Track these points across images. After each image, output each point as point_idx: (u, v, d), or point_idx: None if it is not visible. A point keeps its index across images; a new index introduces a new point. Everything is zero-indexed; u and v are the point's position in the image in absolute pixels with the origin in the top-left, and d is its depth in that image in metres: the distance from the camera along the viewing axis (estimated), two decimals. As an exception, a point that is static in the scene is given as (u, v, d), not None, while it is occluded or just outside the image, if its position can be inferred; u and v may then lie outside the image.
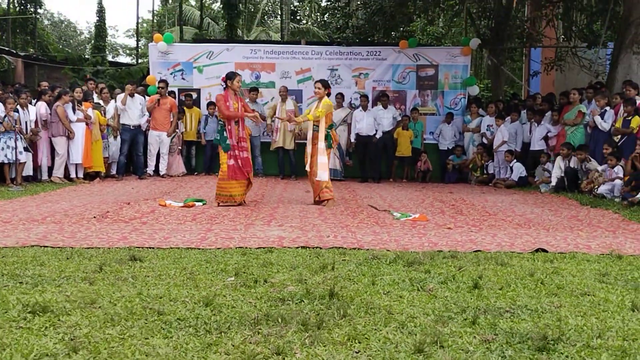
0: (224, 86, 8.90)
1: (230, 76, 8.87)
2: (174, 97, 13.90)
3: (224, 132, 8.65)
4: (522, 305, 3.88)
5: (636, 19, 11.98)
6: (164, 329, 3.30)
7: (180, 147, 13.63)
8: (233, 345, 3.07)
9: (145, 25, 41.16)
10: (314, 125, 9.00)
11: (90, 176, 12.07)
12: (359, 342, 3.16)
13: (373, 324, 3.45)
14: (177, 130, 13.40)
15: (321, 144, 8.88)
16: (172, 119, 13.11)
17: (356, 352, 3.02)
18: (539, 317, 3.63)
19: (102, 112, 12.50)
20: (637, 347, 3.11)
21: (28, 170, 11.04)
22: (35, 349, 2.94)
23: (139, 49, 30.12)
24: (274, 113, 13.29)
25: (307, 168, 9.10)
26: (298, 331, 3.29)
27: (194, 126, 13.84)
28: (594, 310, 3.80)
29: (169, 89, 13.80)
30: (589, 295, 4.19)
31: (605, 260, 5.43)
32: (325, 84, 9.10)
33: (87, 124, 11.76)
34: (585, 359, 2.96)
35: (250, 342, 3.12)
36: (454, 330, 3.36)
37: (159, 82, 13.26)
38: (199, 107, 14.01)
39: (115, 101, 12.83)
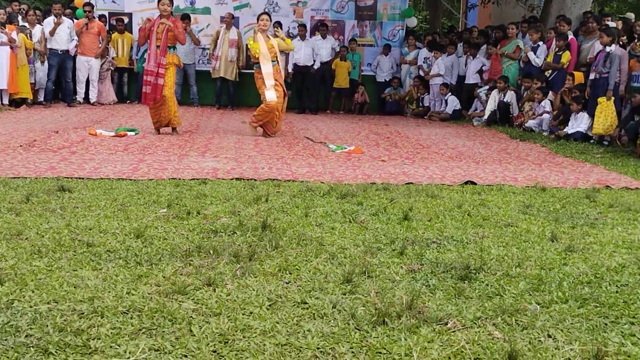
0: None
1: None
2: (104, 22, 13.35)
3: (144, 55, 8.53)
4: (449, 236, 4.01)
5: (571, -46, 12.07)
6: (93, 261, 3.28)
7: (111, 72, 13.18)
8: (164, 277, 3.08)
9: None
10: (272, 60, 8.80)
11: (16, 103, 11.58)
12: (290, 273, 3.22)
13: (304, 255, 3.51)
14: (107, 56, 12.94)
15: (281, 79, 9.02)
16: (100, 44, 12.62)
17: (286, 283, 3.07)
18: (464, 248, 3.76)
19: (28, 35, 11.91)
20: (553, 276, 3.28)
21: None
22: (-42, 282, 2.88)
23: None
24: (217, 38, 12.97)
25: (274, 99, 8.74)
26: (229, 263, 3.32)
27: (126, 52, 13.39)
28: (515, 241, 3.97)
29: (99, 12, 13.26)
30: (512, 226, 4.35)
31: (530, 192, 5.63)
32: (271, 17, 9.07)
33: (11, 48, 11.20)
34: (504, 287, 3.10)
35: (181, 274, 3.13)
36: (382, 261, 3.45)
37: (84, 5, 12.65)
38: (131, 32, 13.51)
39: (43, 25, 12.23)
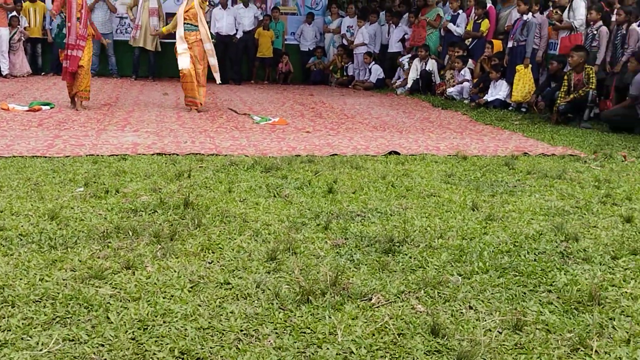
0: None
1: None
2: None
3: (64, 29, 8.07)
4: (373, 208, 4.03)
5: None
6: (3, 246, 3.12)
7: (24, 42, 12.55)
8: (80, 261, 2.96)
9: None
10: (190, 25, 8.38)
11: None
12: (213, 252, 3.16)
13: (228, 233, 3.45)
14: (17, 26, 12.30)
15: (207, 45, 8.51)
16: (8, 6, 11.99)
17: (209, 263, 3.01)
18: (388, 220, 3.78)
19: None
20: (474, 246, 3.34)
21: None
22: None
23: None
24: (134, 6, 12.53)
25: (186, 66, 8.36)
26: (150, 243, 3.23)
27: (39, 22, 12.74)
28: (438, 211, 4.02)
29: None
30: (434, 196, 4.41)
31: (452, 161, 5.73)
32: None
33: None
34: (427, 259, 3.13)
35: (99, 257, 3.02)
36: (307, 237, 3.43)
37: None
38: (44, 1, 12.88)
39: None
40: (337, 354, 2.20)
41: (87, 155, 5.41)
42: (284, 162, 5.28)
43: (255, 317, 2.45)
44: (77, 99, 8.29)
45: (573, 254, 3.27)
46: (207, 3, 8.71)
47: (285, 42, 13.89)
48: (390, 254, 3.18)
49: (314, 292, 2.64)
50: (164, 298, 2.60)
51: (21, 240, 3.23)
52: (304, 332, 2.35)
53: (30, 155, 5.33)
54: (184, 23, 8.37)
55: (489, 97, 9.63)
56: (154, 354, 2.17)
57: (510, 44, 9.72)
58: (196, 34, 8.42)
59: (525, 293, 2.76)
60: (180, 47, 8.34)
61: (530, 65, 9.25)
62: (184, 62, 8.29)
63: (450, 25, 11.20)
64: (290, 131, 7.14)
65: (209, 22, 12.72)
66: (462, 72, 10.51)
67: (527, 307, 2.61)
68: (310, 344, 2.27)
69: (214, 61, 8.64)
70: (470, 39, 10.96)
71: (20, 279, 2.73)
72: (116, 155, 5.45)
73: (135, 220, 3.61)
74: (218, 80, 8.75)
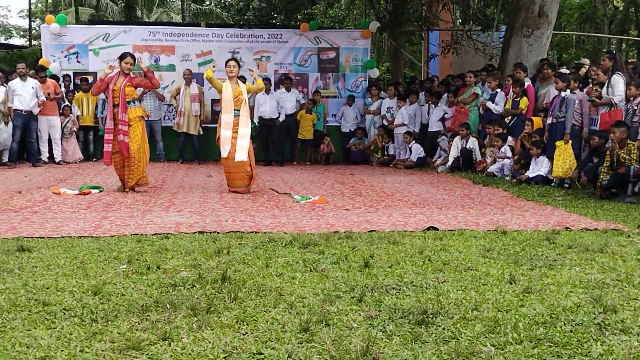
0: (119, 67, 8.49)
1: (121, 56, 8.51)
2: (69, 81, 13.47)
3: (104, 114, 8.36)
4: (408, 281, 4.04)
5: (525, 3, 12.50)
6: (47, 320, 3.24)
7: (76, 131, 13.16)
8: (119, 333, 3.04)
9: (39, 5, 39.31)
10: (234, 110, 8.46)
11: (-20, 164, 11.49)
12: (247, 324, 3.21)
13: (263, 306, 3.50)
14: (70, 115, 12.93)
15: (242, 130, 8.41)
16: (60, 99, 12.71)
17: (243, 334, 3.06)
18: (423, 293, 3.79)
19: (-10, 97, 11.88)
20: (509, 318, 3.31)
21: None
22: None
23: (33, 31, 28.78)
24: (177, 95, 13.13)
25: (225, 155, 8.45)
26: (187, 316, 3.30)
27: (91, 110, 13.41)
28: (474, 284, 4.01)
29: (64, 72, 13.42)
30: (471, 270, 4.40)
31: (491, 236, 5.70)
32: (239, 63, 8.85)
33: (-27, 110, 11.16)
34: (460, 330, 3.12)
35: (137, 329, 3.10)
36: (341, 309, 3.46)
37: (37, 69, 12.69)
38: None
39: (6, 87, 12.21)
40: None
41: (131, 235, 5.59)
42: (321, 239, 5.35)
43: (286, 386, 2.48)
44: (137, 187, 8.54)
45: (610, 325, 3.22)
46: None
47: (327, 124, 14.23)
48: (423, 325, 3.18)
49: (344, 362, 2.66)
50: (197, 368, 2.65)
51: (64, 314, 3.35)
52: (333, 401, 2.36)
53: (78, 236, 5.53)
54: (234, 109, 8.44)
55: (530, 173, 9.62)
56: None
57: (549, 121, 9.77)
58: (237, 120, 8.47)
59: (559, 363, 2.73)
60: (225, 133, 8.39)
61: (570, 141, 9.25)
62: (223, 151, 8.40)
63: (489, 104, 11.35)
64: (330, 209, 7.24)
65: (252, 107, 13.21)
66: (503, 149, 10.55)
67: (560, 377, 2.57)
68: (339, 411, 2.28)
69: (244, 143, 8.42)
70: (509, 117, 11.06)
71: (62, 350, 2.82)
72: (159, 234, 5.61)
73: (173, 294, 3.70)
74: (238, 158, 8.34)
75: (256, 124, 8.87)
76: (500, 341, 2.97)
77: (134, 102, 8.48)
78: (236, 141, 8.37)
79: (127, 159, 8.31)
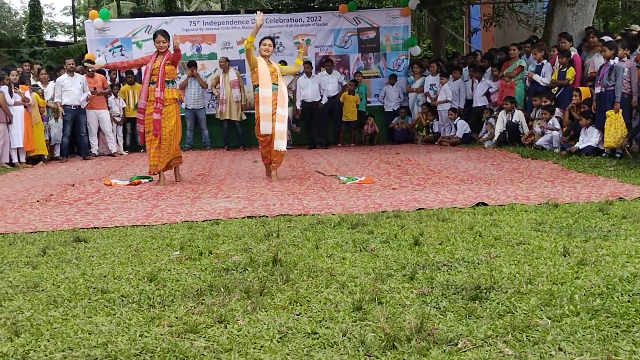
0: None
1: (153, 36, 8.43)
2: (115, 74, 13.71)
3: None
4: (460, 258, 4.01)
5: (568, -28, 12.18)
6: (107, 307, 3.32)
7: (124, 123, 13.41)
8: (176, 317, 3.11)
9: (82, 1, 40.01)
10: (272, 84, 8.05)
11: (33, 160, 11.80)
12: (300, 305, 3.24)
13: (315, 287, 3.53)
14: (108, 109, 13.18)
15: (281, 110, 8.04)
16: (107, 92, 12.93)
17: (297, 315, 3.09)
18: (475, 268, 3.76)
19: (41, 94, 12.18)
20: (565, 290, 3.26)
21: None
22: (-25, 336, 2.93)
23: (77, 27, 29.29)
24: (217, 83, 13.25)
25: (266, 132, 8.07)
26: (241, 299, 3.35)
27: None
28: (527, 258, 3.96)
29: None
30: (524, 244, 4.34)
31: (542, 209, 5.62)
32: (274, 42, 8.57)
33: (25, 107, 11.46)
34: (515, 304, 3.09)
35: (193, 313, 3.16)
36: (393, 287, 3.46)
37: (83, 62, 12.93)
38: (141, 83, 13.73)
39: (55, 82, 12.50)
40: (422, 396, 2.21)
41: (182, 222, 5.69)
42: (370, 219, 5.35)
43: (342, 364, 2.50)
44: (173, 166, 8.47)
45: (671, 294, 3.14)
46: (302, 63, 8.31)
47: (370, 104, 14.17)
48: (477, 301, 3.16)
49: (399, 339, 2.66)
50: (254, 348, 2.69)
51: (122, 300, 3.43)
52: (390, 377, 2.38)
53: (131, 225, 5.65)
54: (272, 83, 8.06)
55: (580, 144, 9.42)
56: (245, 399, 2.25)
57: (597, 90, 9.53)
58: (275, 93, 8.09)
59: (617, 334, 2.67)
60: (263, 108, 8.03)
61: (620, 110, 9.01)
62: (265, 126, 8.03)
63: (536, 76, 11.12)
64: (377, 189, 7.23)
65: (294, 90, 13.24)
66: (551, 121, 10.35)
67: (619, 347, 2.52)
68: (396, 387, 2.29)
69: (282, 127, 8.11)
70: (556, 88, 10.82)
71: (122, 335, 2.89)
72: (209, 220, 5.69)
73: (227, 278, 3.75)
74: (278, 147, 8.08)
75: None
76: (557, 314, 2.93)
77: (173, 84, 8.31)
78: (275, 123, 8.03)
79: (158, 139, 8.14)
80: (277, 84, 8.10)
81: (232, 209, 6.25)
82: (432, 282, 3.52)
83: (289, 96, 13.17)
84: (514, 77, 11.76)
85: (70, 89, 12.23)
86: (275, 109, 8.04)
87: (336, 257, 4.19)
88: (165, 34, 8.35)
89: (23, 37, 23.35)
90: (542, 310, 3.01)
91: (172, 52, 8.10)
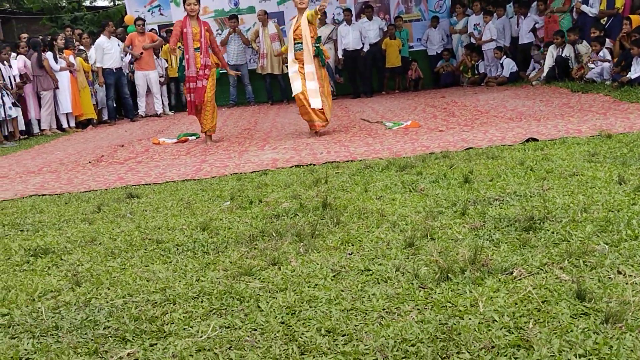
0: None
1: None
2: (156, 34, 13.74)
3: (183, 62, 7.90)
4: (511, 192, 3.95)
5: None
6: (162, 256, 3.39)
7: (168, 82, 13.50)
8: (230, 262, 3.16)
9: (119, -35, 40.05)
10: (300, 44, 7.71)
11: (82, 124, 12.04)
12: (352, 245, 3.25)
13: (365, 227, 3.53)
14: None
15: (308, 67, 7.67)
16: (156, 53, 12.96)
17: (349, 254, 3.10)
18: (527, 201, 3.70)
19: (85, 58, 12.33)
20: (622, 216, 3.19)
21: (20, 125, 11.02)
22: (40, 287, 3.03)
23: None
24: (256, 37, 13.17)
25: (298, 90, 7.72)
26: (293, 242, 3.38)
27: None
28: (581, 189, 3.87)
29: (149, 26, 13.65)
30: (577, 175, 4.24)
31: (595, 141, 5.47)
32: None
33: (71, 72, 11.64)
34: (570, 232, 3.04)
35: (247, 257, 3.20)
36: (444, 223, 3.43)
37: (135, 20, 12.96)
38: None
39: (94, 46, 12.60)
40: (479, 323, 2.20)
41: (231, 174, 5.74)
42: (418, 160, 5.30)
43: (397, 297, 2.50)
44: (207, 135, 8.20)
45: None
46: (319, 16, 7.75)
47: (412, 49, 13.91)
48: (531, 231, 3.11)
49: (453, 271, 2.65)
50: (308, 287, 2.72)
51: (177, 249, 3.50)
52: (445, 307, 2.37)
53: (181, 180, 5.73)
54: (294, 43, 7.76)
55: (632, 74, 9.07)
56: (302, 333, 2.28)
57: (650, 16, 9.15)
58: (301, 54, 7.75)
59: (678, 255, 2.61)
60: (291, 69, 7.86)
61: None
62: (296, 86, 7.73)
63: (584, 7, 10.72)
64: (423, 132, 7.14)
65: (335, 40, 13.08)
66: (601, 52, 9.99)
67: (681, 268, 2.47)
68: (452, 315, 2.28)
69: (312, 85, 7.69)
70: (605, 18, 10.42)
71: (179, 281, 2.96)
72: (258, 172, 5.72)
73: (278, 224, 3.79)
74: (314, 105, 7.67)
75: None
76: (614, 239, 2.87)
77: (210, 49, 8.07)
78: (306, 81, 7.72)
79: (201, 104, 7.93)
80: (301, 42, 7.72)
81: (280, 159, 6.27)
82: (484, 216, 3.48)
83: (331, 45, 13.10)
84: (563, 12, 11.31)
85: (110, 51, 12.30)
86: (303, 67, 7.74)
87: (386, 198, 4.17)
88: None
89: (63, 4, 23.54)
90: (598, 236, 2.95)
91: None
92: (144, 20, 13.07)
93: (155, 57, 13.13)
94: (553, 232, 3.06)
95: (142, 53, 12.40)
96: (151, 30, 13.60)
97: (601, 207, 3.40)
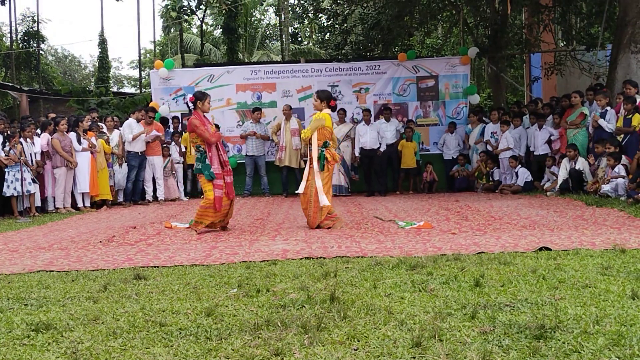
0: (192, 108, 8.14)
1: (200, 97, 8.13)
2: (178, 122, 14.09)
3: (206, 160, 7.87)
4: (523, 299, 3.89)
5: (632, 19, 12.03)
6: (164, 339, 3.34)
7: (174, 172, 13.66)
8: (233, 350, 3.09)
9: (148, 55, 41.60)
10: (309, 144, 8.20)
11: (97, 204, 12.15)
12: (358, 340, 3.18)
13: (372, 324, 3.47)
14: (169, 156, 13.48)
15: (315, 165, 8.00)
16: (163, 141, 13.25)
17: (355, 350, 3.03)
18: (538, 309, 3.63)
19: (106, 140, 12.61)
20: (634, 331, 3.11)
21: (36, 202, 11.15)
22: (37, 362, 2.98)
23: (143, 79, 30.41)
24: (278, 131, 13.46)
25: (300, 191, 8.17)
26: (298, 334, 3.32)
27: (195, 149, 13.94)
28: (593, 301, 3.80)
29: (172, 114, 14.08)
30: (589, 287, 4.18)
31: (609, 254, 5.42)
32: (321, 95, 8.15)
33: (92, 153, 11.87)
34: (581, 344, 2.96)
35: (250, 346, 3.14)
36: (453, 325, 3.37)
37: (146, 110, 13.33)
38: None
39: (121, 130, 12.92)
40: None
41: (240, 262, 5.71)
42: (429, 261, 5.26)
43: (401, 398, 2.43)
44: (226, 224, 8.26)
45: None
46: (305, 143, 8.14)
47: (428, 152, 14.14)
48: (541, 340, 3.04)
49: (460, 375, 2.58)
50: (310, 381, 2.65)
51: (180, 333, 3.44)
52: (451, 411, 2.29)
53: (190, 264, 5.71)
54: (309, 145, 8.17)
55: (647, 192, 9.10)
56: None
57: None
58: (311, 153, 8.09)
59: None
60: (317, 182, 7.97)
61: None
62: (325, 199, 7.90)
63: (601, 121, 10.89)
64: (436, 233, 7.13)
65: (353, 138, 13.32)
66: (616, 168, 10.07)
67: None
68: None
69: (318, 183, 7.94)
70: (622, 135, 10.57)
71: (179, 365, 2.90)
72: (267, 261, 5.70)
73: (284, 314, 3.73)
74: (322, 203, 7.87)
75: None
76: (626, 354, 2.79)
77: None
78: (313, 179, 7.99)
79: (231, 199, 8.08)
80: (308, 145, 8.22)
81: (290, 250, 6.25)
82: (494, 321, 3.41)
83: (348, 143, 13.35)
84: (576, 125, 11.51)
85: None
86: (311, 167, 8.04)
87: (394, 296, 4.12)
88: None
89: (91, 89, 24.32)
90: (610, 350, 2.88)
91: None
92: (155, 111, 13.47)
93: (174, 143, 13.42)
94: (564, 342, 2.99)
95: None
96: (174, 118, 13.97)
97: (614, 320, 3.33)
